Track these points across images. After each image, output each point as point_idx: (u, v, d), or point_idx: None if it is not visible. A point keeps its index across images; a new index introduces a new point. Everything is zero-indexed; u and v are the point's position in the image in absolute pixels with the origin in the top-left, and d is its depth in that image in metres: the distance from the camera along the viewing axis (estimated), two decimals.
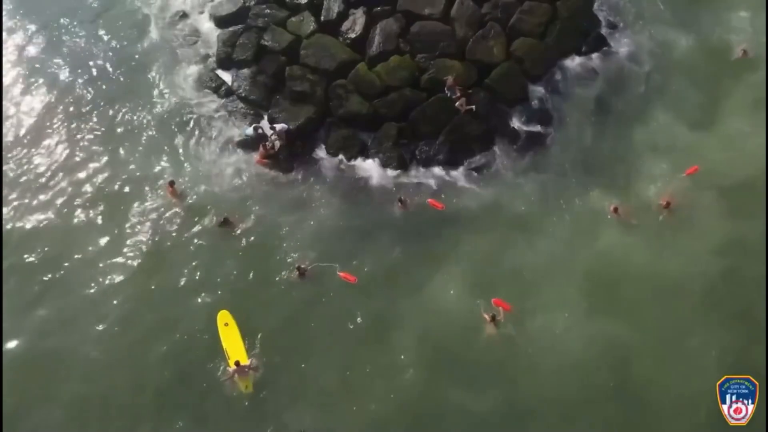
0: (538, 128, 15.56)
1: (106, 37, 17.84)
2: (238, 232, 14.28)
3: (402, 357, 12.68)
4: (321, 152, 15.45)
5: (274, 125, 15.26)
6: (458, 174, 15.05)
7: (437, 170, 15.08)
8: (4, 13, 18.31)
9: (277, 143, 15.12)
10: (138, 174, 15.32)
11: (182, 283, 13.76)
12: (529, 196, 14.66)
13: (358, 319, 13.13)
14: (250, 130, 15.32)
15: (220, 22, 17.32)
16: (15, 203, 14.98)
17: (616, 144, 15.36)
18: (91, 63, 17.34)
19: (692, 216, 14.01)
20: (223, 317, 12.91)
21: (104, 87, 16.84)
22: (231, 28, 17.05)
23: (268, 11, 16.98)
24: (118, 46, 17.67)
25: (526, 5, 16.56)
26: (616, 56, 16.74)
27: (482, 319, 12.83)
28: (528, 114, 15.72)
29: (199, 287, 13.66)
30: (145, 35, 17.68)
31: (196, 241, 14.27)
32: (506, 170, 15.07)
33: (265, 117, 15.80)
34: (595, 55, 16.67)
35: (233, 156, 15.51)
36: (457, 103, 15.31)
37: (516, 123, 15.66)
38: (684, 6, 17.46)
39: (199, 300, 13.52)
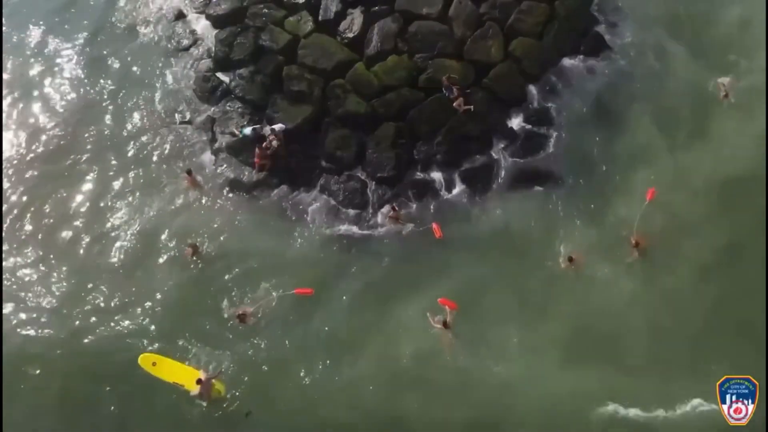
0: (536, 129, 15.53)
1: (101, 38, 17.83)
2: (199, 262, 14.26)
3: (362, 374, 12.73)
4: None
5: (273, 125, 15.19)
6: (454, 182, 15.06)
7: (435, 174, 15.11)
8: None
9: (275, 143, 15.08)
10: (133, 178, 15.40)
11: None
12: (522, 215, 14.55)
13: (320, 334, 13.27)
14: (248, 130, 15.28)
15: (217, 21, 17.24)
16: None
17: (606, 154, 15.25)
18: (84, 65, 17.37)
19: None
20: (146, 359, 12.72)
21: (98, 88, 16.83)
22: (228, 28, 16.97)
23: (266, 11, 16.92)
24: (112, 47, 17.64)
25: (524, 5, 16.50)
26: (613, 56, 16.67)
27: (433, 327, 12.84)
28: (526, 114, 15.71)
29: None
30: (141, 35, 17.66)
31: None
32: (502, 178, 15.03)
33: (264, 117, 15.77)
34: (592, 56, 16.62)
35: (227, 162, 15.56)
36: (455, 103, 15.26)
37: (514, 123, 15.65)
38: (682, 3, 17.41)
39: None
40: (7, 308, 13.85)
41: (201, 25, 17.52)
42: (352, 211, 14.86)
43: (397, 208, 14.51)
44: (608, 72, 16.50)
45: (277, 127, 15.15)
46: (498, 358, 12.74)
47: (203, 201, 15.21)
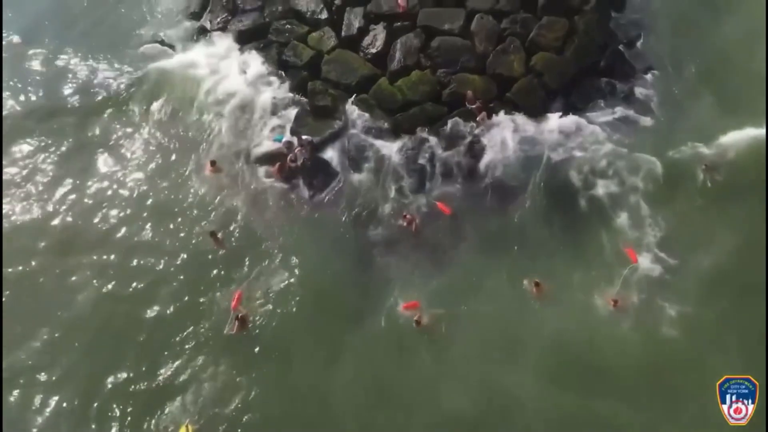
0: (557, 140, 15.59)
1: (127, 59, 18.03)
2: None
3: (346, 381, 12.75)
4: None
5: (302, 137, 15.33)
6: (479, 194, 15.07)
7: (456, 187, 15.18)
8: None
9: (300, 156, 15.19)
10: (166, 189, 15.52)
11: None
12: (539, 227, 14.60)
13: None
14: (283, 137, 15.44)
15: (240, 37, 17.45)
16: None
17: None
18: (109, 85, 17.50)
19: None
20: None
21: (129, 110, 17.01)
22: (251, 44, 17.25)
23: (288, 27, 17.18)
24: (135, 67, 17.78)
25: (544, 20, 16.69)
26: (632, 73, 16.86)
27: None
28: (548, 127, 15.74)
29: None
30: (166, 52, 17.96)
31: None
32: (525, 191, 15.06)
33: (287, 131, 15.91)
34: (610, 75, 16.72)
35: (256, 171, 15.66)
36: (478, 117, 15.42)
37: (536, 135, 15.68)
38: (702, 17, 17.60)
39: None
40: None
41: (224, 41, 17.62)
42: (371, 217, 14.88)
43: (409, 216, 14.52)
44: (625, 90, 16.54)
45: (305, 138, 15.27)
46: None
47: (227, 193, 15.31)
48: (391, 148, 15.51)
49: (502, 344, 13.09)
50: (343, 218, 14.93)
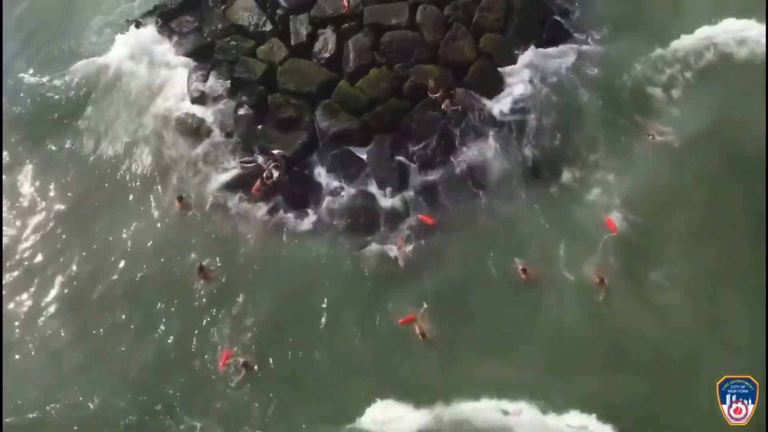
0: (520, 116, 16.07)
1: (59, 81, 17.29)
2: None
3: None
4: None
5: (273, 153, 15.03)
6: (455, 179, 15.19)
7: (436, 175, 15.28)
8: None
9: (275, 172, 14.92)
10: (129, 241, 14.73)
11: None
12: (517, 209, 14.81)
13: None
14: (258, 157, 15.15)
15: (185, 58, 16.94)
16: None
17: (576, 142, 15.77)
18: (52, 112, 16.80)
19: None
20: None
21: (74, 143, 16.27)
22: (198, 65, 16.74)
23: (234, 43, 16.79)
24: (77, 93, 17.06)
25: (483, 3, 17.07)
26: (572, 42, 17.51)
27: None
28: (509, 104, 16.16)
29: None
30: (109, 80, 17.16)
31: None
32: (501, 168, 15.34)
33: (256, 149, 15.54)
34: (553, 44, 17.26)
35: (226, 197, 15.20)
36: (443, 105, 15.67)
37: (499, 114, 16.15)
38: None
39: None
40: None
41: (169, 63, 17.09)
42: (361, 226, 14.82)
43: (403, 238, 14.44)
44: (569, 57, 17.14)
45: (277, 152, 15.00)
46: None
47: (200, 226, 14.82)
48: (365, 150, 15.46)
49: (500, 338, 13.14)
50: (329, 232, 14.74)
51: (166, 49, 17.23)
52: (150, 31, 17.45)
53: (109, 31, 18.33)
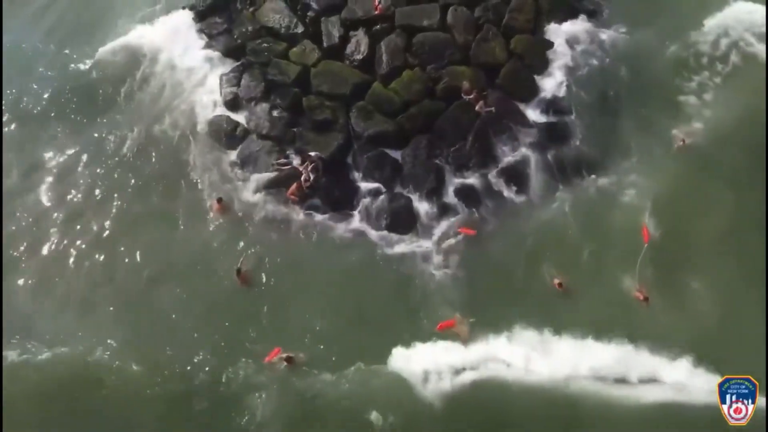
0: (554, 118, 16.17)
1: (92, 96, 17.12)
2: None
3: None
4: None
5: (309, 155, 15.04)
6: (492, 183, 15.24)
7: (473, 178, 15.29)
8: None
9: (312, 174, 14.92)
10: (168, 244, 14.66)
11: None
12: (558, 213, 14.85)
13: None
14: (293, 159, 15.17)
15: (217, 61, 16.92)
16: None
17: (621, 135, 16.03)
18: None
19: None
20: None
21: (108, 136, 16.30)
22: (230, 68, 16.74)
23: (266, 45, 16.75)
24: (107, 103, 16.96)
25: (513, 4, 17.14)
26: (600, 41, 17.62)
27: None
28: (542, 106, 16.28)
29: None
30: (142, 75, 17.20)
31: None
32: (536, 172, 15.42)
33: (291, 151, 15.55)
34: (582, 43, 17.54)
35: (265, 200, 15.15)
36: (476, 107, 15.69)
37: (533, 117, 16.22)
38: None
39: None
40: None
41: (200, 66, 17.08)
42: (400, 229, 14.79)
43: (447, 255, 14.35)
44: (599, 56, 17.27)
45: (314, 153, 15.01)
46: None
47: (239, 229, 14.78)
48: (401, 152, 15.49)
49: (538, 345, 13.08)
50: (366, 234, 14.73)
51: (198, 48, 17.25)
52: (185, 27, 17.60)
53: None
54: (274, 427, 12.36)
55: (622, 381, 12.53)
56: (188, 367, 12.91)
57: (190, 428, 12.51)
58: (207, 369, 12.88)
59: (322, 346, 13.30)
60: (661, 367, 12.56)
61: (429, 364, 12.82)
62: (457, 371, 12.76)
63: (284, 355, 12.98)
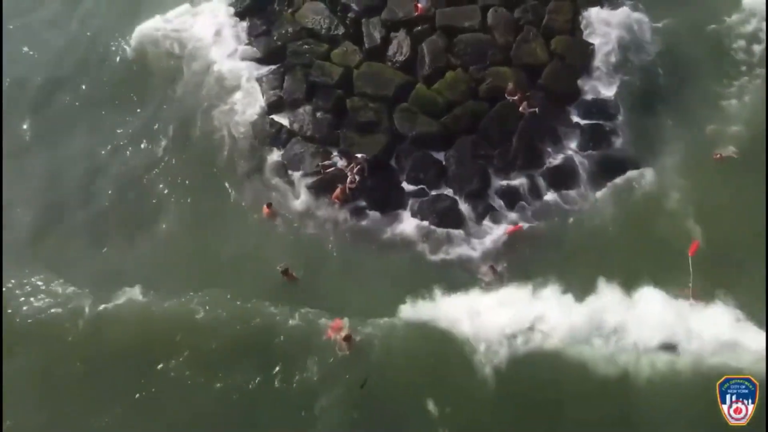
0: (597, 119, 16.15)
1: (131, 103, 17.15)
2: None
3: None
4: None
5: (355, 156, 15.03)
6: (538, 184, 15.24)
7: (518, 179, 15.27)
8: None
9: (357, 176, 14.91)
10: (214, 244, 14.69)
11: None
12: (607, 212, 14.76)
13: None
14: (338, 161, 15.23)
15: (257, 64, 16.93)
16: None
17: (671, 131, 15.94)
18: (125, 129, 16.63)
19: None
20: None
21: (152, 158, 16.24)
22: (270, 69, 16.74)
23: (306, 47, 16.75)
24: (142, 98, 17.12)
25: (552, 5, 17.17)
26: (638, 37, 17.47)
27: None
28: (585, 107, 16.28)
29: None
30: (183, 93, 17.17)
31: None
32: (582, 173, 15.34)
33: (336, 153, 15.54)
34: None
35: (310, 201, 15.15)
36: (520, 108, 15.66)
37: (576, 118, 16.19)
38: None
39: None
40: None
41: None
42: (447, 231, 14.74)
43: (494, 268, 14.22)
44: (641, 55, 17.19)
45: (360, 155, 15.01)
46: None
47: (288, 231, 14.85)
48: (444, 154, 15.47)
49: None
50: (412, 235, 14.66)
51: (237, 49, 17.31)
52: (226, 25, 17.70)
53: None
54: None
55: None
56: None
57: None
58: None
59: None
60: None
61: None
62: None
63: (343, 334, 12.81)
